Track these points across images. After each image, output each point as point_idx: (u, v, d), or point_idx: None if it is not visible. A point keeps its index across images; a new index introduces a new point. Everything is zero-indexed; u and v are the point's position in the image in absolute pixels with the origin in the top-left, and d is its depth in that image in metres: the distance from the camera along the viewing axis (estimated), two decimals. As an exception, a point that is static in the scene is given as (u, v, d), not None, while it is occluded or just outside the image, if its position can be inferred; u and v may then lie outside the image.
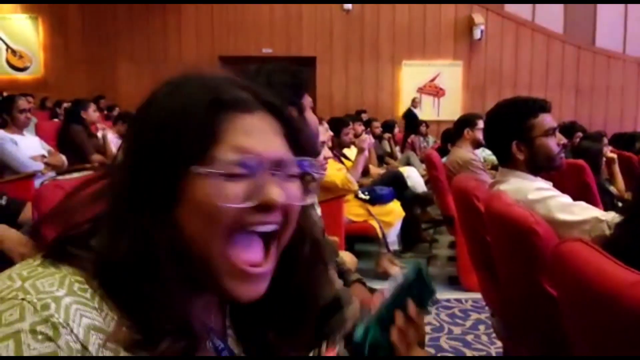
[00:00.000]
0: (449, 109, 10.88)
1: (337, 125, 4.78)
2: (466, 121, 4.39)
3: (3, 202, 2.57)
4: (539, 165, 2.11)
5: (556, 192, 1.99)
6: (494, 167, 4.39)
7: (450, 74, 11.98)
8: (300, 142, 0.72)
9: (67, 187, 0.88)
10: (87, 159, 5.10)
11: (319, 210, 1.36)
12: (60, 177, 3.45)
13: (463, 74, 12.04)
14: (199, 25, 11.86)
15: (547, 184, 2.07)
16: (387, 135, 8.11)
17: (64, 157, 4.54)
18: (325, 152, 3.81)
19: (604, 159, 4.21)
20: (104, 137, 5.66)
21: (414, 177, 5.75)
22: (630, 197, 3.27)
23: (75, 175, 3.17)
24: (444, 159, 4.87)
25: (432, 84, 12.08)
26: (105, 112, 9.28)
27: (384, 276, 4.17)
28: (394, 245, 4.42)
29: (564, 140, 2.19)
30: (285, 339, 0.76)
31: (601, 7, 12.13)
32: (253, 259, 0.67)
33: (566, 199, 1.94)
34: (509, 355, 2.30)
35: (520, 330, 1.93)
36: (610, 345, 1.02)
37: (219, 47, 11.76)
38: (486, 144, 2.58)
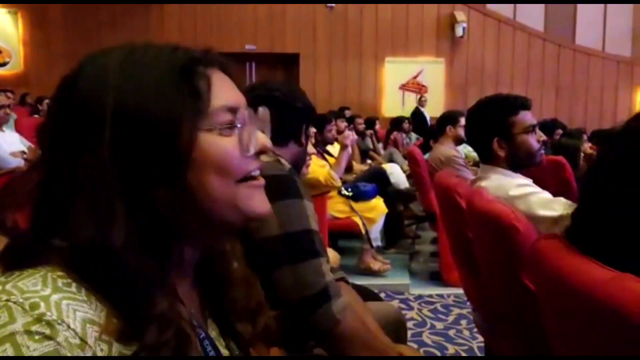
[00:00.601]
0: (432, 105, 10.90)
1: (320, 122, 4.78)
2: (448, 118, 4.42)
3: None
4: (520, 162, 2.13)
5: (537, 189, 2.01)
6: (476, 164, 4.43)
7: (432, 71, 12.00)
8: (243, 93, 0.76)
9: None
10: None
11: (310, 205, 1.35)
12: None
13: (445, 71, 12.07)
14: (182, 20, 11.73)
15: (528, 181, 2.09)
16: (369, 131, 8.13)
17: (44, 154, 4.47)
18: (309, 148, 3.81)
19: (582, 154, 4.27)
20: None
21: (397, 174, 5.79)
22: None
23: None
24: (426, 156, 4.90)
25: (414, 81, 12.09)
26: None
27: (367, 273, 4.19)
28: (377, 242, 4.44)
29: (544, 137, 2.22)
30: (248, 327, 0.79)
31: (581, 6, 12.25)
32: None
33: (546, 195, 1.97)
34: (491, 352, 2.33)
35: (501, 325, 1.95)
36: (587, 342, 1.02)
37: (202, 43, 11.26)
38: (468, 140, 2.60)
